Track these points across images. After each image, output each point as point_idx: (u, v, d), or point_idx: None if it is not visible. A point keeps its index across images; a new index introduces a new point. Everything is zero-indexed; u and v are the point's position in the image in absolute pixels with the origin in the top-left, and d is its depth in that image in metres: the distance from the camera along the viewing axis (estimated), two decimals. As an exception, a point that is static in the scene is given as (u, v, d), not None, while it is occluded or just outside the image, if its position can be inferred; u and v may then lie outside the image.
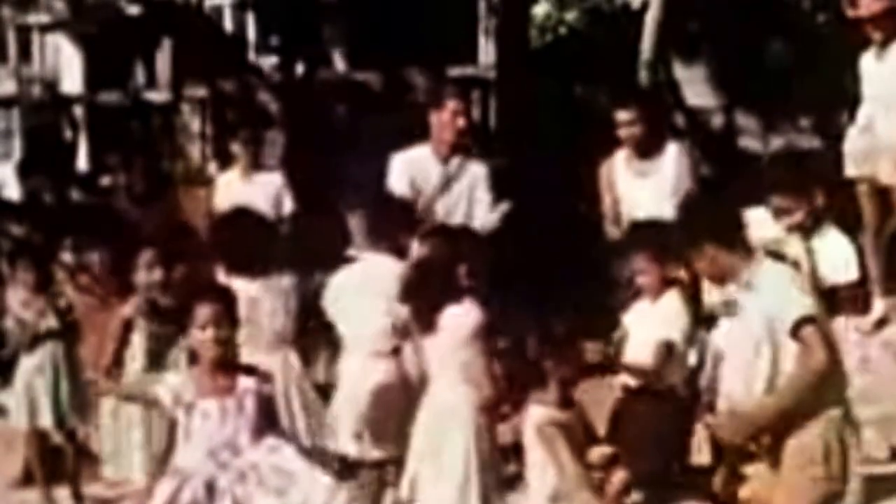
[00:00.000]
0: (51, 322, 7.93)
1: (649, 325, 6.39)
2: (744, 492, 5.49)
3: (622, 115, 7.54)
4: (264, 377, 5.79)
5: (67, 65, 15.72)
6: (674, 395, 6.41)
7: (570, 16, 15.21)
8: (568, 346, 5.69)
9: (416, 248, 6.61)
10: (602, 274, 7.33)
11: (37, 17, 15.70)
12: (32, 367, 7.92)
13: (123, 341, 7.09)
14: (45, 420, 7.89)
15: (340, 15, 14.61)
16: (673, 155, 7.60)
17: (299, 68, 14.84)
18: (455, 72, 13.53)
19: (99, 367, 6.86)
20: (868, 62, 7.71)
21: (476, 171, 7.93)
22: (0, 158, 15.21)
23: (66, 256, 8.41)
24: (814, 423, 5.22)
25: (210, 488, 5.51)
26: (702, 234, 5.38)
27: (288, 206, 9.26)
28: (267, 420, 5.67)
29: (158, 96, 15.21)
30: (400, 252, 6.78)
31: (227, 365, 5.67)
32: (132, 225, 9.19)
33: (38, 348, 7.93)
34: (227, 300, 5.76)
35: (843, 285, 6.65)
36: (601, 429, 6.19)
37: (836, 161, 7.83)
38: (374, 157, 8.50)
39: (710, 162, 11.59)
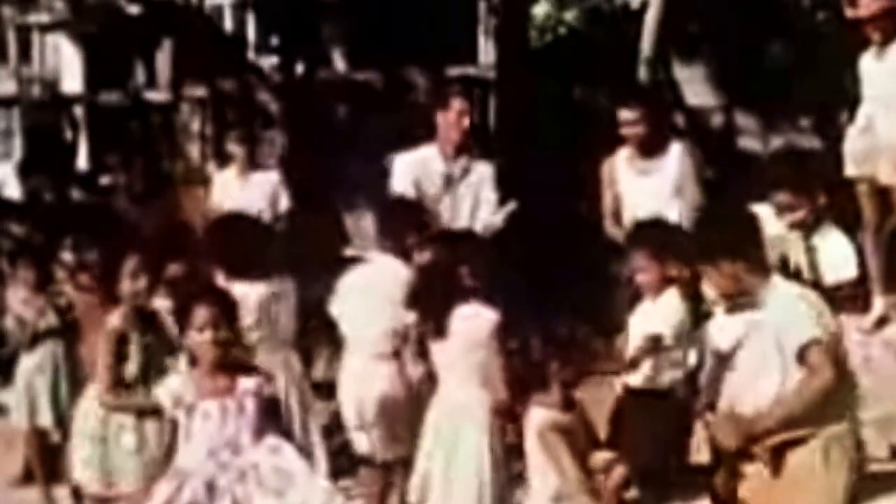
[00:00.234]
0: (51, 320, 7.93)
1: (649, 324, 6.40)
2: (743, 492, 5.48)
3: (626, 114, 7.55)
4: (265, 377, 5.79)
5: (67, 65, 15.73)
6: (673, 394, 6.42)
7: (570, 16, 15.20)
8: (571, 348, 5.69)
9: (418, 255, 6.62)
10: (602, 274, 7.34)
11: (37, 17, 15.71)
12: (33, 366, 7.93)
13: (119, 356, 6.93)
14: (45, 419, 7.90)
15: (340, 15, 14.62)
16: (676, 154, 7.61)
17: (299, 68, 14.85)
18: (455, 72, 13.54)
19: (100, 382, 6.76)
20: (868, 62, 7.71)
21: (482, 171, 7.93)
22: (0, 158, 15.23)
23: (66, 256, 8.40)
24: (818, 436, 5.22)
25: (210, 488, 5.51)
26: (722, 251, 5.35)
27: (284, 204, 9.26)
28: (268, 420, 5.67)
29: (158, 96, 15.21)
30: (407, 254, 6.78)
31: (227, 366, 5.67)
32: (131, 224, 9.20)
33: (38, 347, 7.94)
34: (225, 302, 5.76)
35: (844, 283, 6.66)
36: (602, 428, 6.19)
37: (836, 161, 7.82)
38: (373, 156, 8.52)
39: (709, 162, 11.60)
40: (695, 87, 13.74)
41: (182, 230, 8.58)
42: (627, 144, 7.64)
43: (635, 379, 6.39)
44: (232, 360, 5.74)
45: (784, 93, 12.99)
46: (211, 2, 15.63)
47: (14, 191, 11.85)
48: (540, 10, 15.04)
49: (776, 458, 5.27)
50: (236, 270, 6.83)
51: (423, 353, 6.55)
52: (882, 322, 7.66)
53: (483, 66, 14.13)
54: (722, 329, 5.88)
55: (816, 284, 6.21)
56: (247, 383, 5.66)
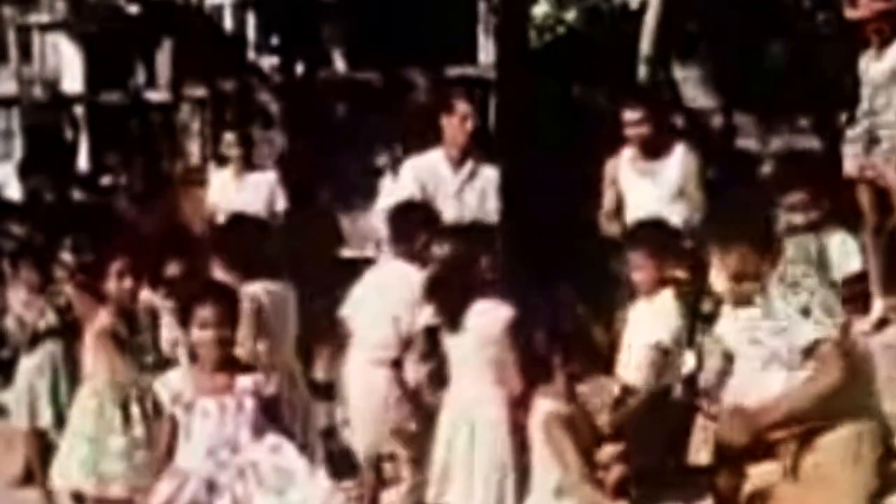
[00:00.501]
0: (50, 321, 7.94)
1: (645, 323, 6.41)
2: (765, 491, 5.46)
3: (629, 115, 7.57)
4: (264, 377, 5.79)
5: (68, 65, 15.74)
6: (671, 394, 6.43)
7: (569, 15, 15.20)
8: (575, 342, 5.69)
9: (436, 248, 6.62)
10: (602, 274, 7.34)
11: (37, 17, 15.73)
12: (33, 366, 7.93)
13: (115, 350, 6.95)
14: (45, 420, 7.90)
15: (340, 15, 14.63)
16: (679, 155, 7.63)
17: (299, 68, 14.86)
18: (455, 72, 13.55)
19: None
20: (867, 63, 7.72)
21: (488, 176, 7.93)
22: (1, 158, 15.25)
23: (66, 256, 8.41)
24: (842, 433, 5.22)
25: (210, 487, 5.52)
26: (736, 231, 5.37)
27: (281, 204, 9.26)
28: (267, 419, 5.68)
29: (158, 96, 15.22)
30: (418, 256, 6.78)
31: (227, 364, 5.68)
32: (131, 224, 9.21)
33: (38, 348, 7.94)
34: (228, 300, 5.76)
35: (848, 277, 6.69)
36: (603, 425, 6.20)
37: (836, 161, 7.84)
38: (372, 157, 8.53)
39: (708, 162, 11.60)
40: (694, 87, 13.75)
41: (181, 230, 8.59)
42: (630, 145, 7.66)
43: (635, 379, 6.41)
44: (231, 359, 5.75)
45: (783, 93, 12.99)
46: (211, 2, 15.64)
47: (14, 191, 11.86)
48: (539, 10, 15.03)
49: (798, 455, 5.26)
50: (246, 271, 6.83)
51: (428, 355, 6.57)
52: (882, 324, 7.67)
53: (483, 66, 14.13)
54: (730, 327, 5.90)
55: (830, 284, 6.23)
56: (245, 382, 5.66)
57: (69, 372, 7.85)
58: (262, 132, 13.49)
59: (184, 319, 5.79)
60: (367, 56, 14.12)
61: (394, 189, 8.36)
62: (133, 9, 15.12)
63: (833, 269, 6.67)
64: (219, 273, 6.86)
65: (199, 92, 14.89)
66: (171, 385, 5.68)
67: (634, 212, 7.46)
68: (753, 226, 5.42)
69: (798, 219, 6.66)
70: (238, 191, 9.17)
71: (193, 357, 5.83)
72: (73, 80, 15.74)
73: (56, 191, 10.73)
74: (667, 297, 6.43)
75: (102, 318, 6.73)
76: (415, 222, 6.96)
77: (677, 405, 6.45)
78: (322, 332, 7.92)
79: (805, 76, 12.55)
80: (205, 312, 5.60)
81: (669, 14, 12.33)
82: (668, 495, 6.68)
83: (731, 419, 5.34)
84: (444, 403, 6.26)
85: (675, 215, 7.31)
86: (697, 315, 6.57)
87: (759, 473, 5.45)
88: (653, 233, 6.62)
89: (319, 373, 8.35)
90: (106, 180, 11.44)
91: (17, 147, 15.54)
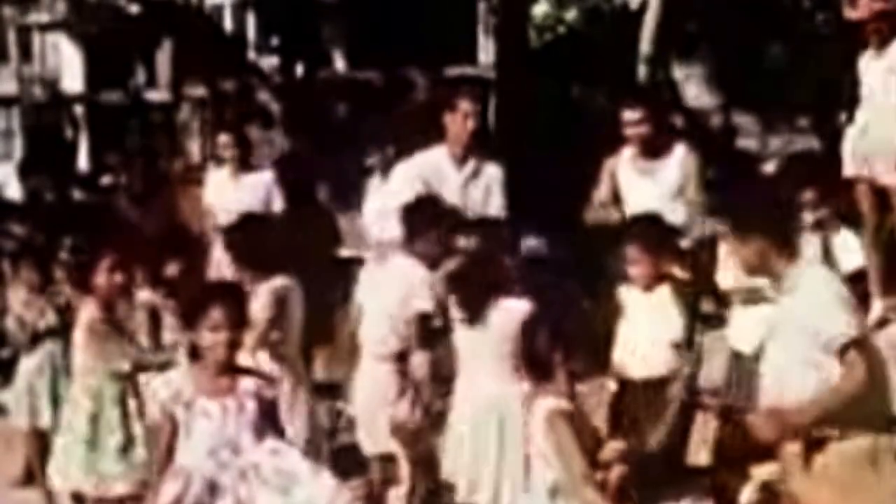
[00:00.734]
0: (50, 320, 7.94)
1: (642, 314, 6.43)
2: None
3: (629, 115, 7.56)
4: (266, 379, 5.78)
5: (68, 64, 15.77)
6: (669, 389, 6.44)
7: (569, 15, 15.23)
8: (577, 340, 5.69)
9: (461, 241, 6.62)
10: (601, 274, 7.34)
11: (37, 17, 15.74)
12: (33, 366, 7.93)
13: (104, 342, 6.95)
14: (45, 420, 7.90)
15: (340, 15, 14.65)
16: (679, 155, 7.62)
17: (299, 68, 14.87)
18: (455, 72, 13.56)
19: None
20: (866, 63, 7.72)
21: (492, 173, 7.91)
22: (1, 158, 15.26)
23: (66, 256, 8.41)
24: (861, 432, 5.21)
25: (212, 487, 5.51)
26: (755, 225, 5.35)
27: (278, 205, 9.24)
28: (268, 422, 5.67)
29: (158, 96, 15.24)
30: (430, 255, 6.78)
31: (229, 366, 5.66)
32: (131, 224, 9.21)
33: (38, 348, 7.94)
34: (238, 302, 5.72)
35: (851, 273, 6.71)
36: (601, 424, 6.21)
37: (836, 161, 7.84)
38: (371, 156, 8.52)
39: (708, 162, 11.62)
40: (694, 87, 13.76)
41: (181, 229, 8.59)
42: (630, 145, 7.65)
43: (640, 371, 6.43)
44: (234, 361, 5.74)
45: (782, 93, 13.01)
46: (211, 2, 15.66)
47: (14, 191, 11.86)
48: (539, 10, 15.07)
49: (811, 457, 5.25)
50: (261, 269, 6.84)
51: (425, 343, 6.58)
52: (881, 324, 7.67)
53: (483, 65, 14.15)
54: (743, 328, 5.91)
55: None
56: (248, 384, 5.65)
57: (69, 371, 7.85)
58: (262, 132, 13.50)
59: (186, 320, 5.77)
60: (367, 56, 14.14)
61: (385, 190, 8.31)
62: (133, 9, 15.13)
63: (836, 267, 6.68)
64: (227, 272, 6.87)
65: (199, 92, 14.91)
66: (171, 385, 5.67)
67: (634, 211, 7.45)
68: (774, 220, 5.40)
69: (807, 217, 6.67)
70: (235, 191, 9.15)
71: (193, 357, 5.82)
72: (73, 80, 15.76)
73: (56, 191, 10.73)
74: (664, 292, 6.44)
75: (90, 309, 6.73)
76: (428, 218, 6.97)
77: (676, 405, 6.45)
78: (320, 331, 7.93)
79: (805, 76, 12.58)
80: (217, 314, 5.54)
81: (669, 14, 12.34)
82: (670, 495, 6.69)
83: (767, 420, 5.30)
84: (456, 398, 6.26)
85: (675, 215, 7.31)
86: (697, 315, 6.57)
87: (760, 474, 5.44)
88: (649, 228, 6.65)
89: (319, 373, 8.35)
90: (106, 180, 11.43)
91: (18, 147, 15.56)
